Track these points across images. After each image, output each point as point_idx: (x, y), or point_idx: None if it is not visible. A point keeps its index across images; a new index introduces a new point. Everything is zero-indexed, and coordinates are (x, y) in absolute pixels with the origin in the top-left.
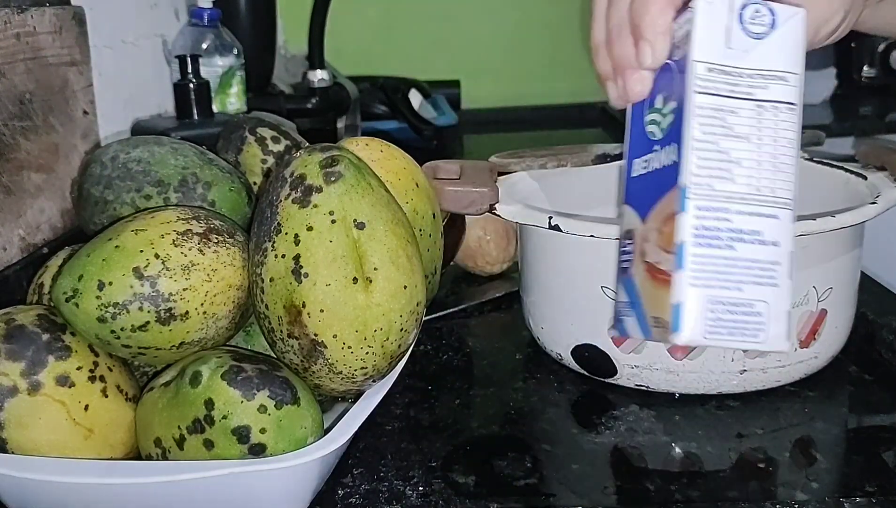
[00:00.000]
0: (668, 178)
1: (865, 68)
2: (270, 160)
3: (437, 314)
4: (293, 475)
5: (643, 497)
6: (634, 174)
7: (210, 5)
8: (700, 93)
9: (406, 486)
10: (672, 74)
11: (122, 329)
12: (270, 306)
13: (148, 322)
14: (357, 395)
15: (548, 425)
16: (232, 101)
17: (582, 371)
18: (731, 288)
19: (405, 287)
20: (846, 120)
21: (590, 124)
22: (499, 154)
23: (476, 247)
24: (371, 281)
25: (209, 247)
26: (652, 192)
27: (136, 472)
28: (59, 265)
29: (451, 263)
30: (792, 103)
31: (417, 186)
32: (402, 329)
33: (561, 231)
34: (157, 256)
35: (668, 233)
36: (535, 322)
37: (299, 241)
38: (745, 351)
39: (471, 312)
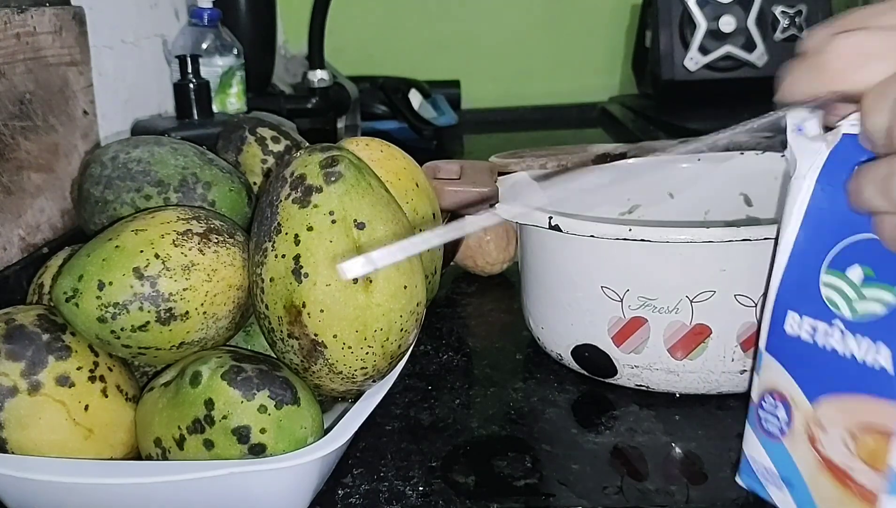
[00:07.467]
0: (870, 382)
1: None
2: (270, 160)
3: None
4: (293, 475)
5: (643, 497)
6: (789, 331)
7: (210, 5)
8: None
9: (406, 486)
10: None
11: (122, 329)
12: (270, 306)
13: (148, 322)
14: (357, 395)
15: (548, 425)
16: (232, 101)
17: (582, 371)
18: None
19: (405, 287)
20: None
21: (590, 124)
22: (499, 154)
23: (476, 247)
24: (371, 281)
25: (209, 247)
26: (829, 375)
27: (136, 472)
28: (59, 265)
29: (451, 263)
30: None
31: (417, 186)
32: (402, 329)
33: (561, 231)
34: (157, 256)
35: (871, 446)
36: (535, 322)
37: (299, 241)
38: (745, 351)
39: (471, 312)
